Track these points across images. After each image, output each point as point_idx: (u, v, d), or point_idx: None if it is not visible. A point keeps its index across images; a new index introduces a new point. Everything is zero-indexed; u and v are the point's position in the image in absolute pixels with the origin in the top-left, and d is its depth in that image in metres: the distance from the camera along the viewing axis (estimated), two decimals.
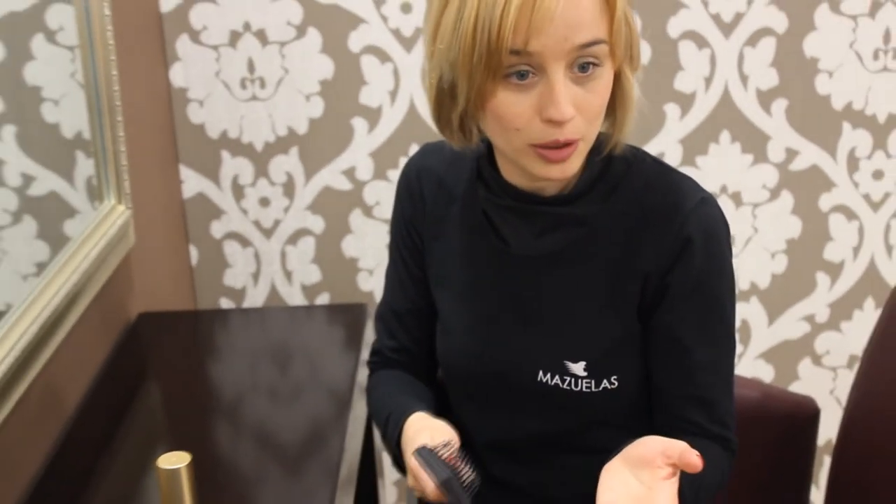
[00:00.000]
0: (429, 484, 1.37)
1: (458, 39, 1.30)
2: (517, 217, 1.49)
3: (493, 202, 1.50)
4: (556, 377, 1.48)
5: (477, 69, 1.30)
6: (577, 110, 1.32)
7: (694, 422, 1.49)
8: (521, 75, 1.30)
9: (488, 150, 1.49)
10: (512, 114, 1.33)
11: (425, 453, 1.38)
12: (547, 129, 1.32)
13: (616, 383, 1.47)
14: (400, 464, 1.54)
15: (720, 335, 1.49)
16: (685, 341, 1.46)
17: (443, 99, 1.38)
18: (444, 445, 1.39)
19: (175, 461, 1.24)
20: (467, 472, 1.37)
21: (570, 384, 1.47)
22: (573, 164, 1.37)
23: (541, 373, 1.49)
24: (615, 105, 1.40)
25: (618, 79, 1.38)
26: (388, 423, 1.56)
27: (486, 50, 1.27)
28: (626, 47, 1.36)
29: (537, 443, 1.42)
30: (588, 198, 1.46)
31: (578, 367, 1.47)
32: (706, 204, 1.44)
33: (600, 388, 1.47)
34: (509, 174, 1.47)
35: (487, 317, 1.53)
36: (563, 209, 1.46)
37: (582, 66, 1.30)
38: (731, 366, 1.52)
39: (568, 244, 1.47)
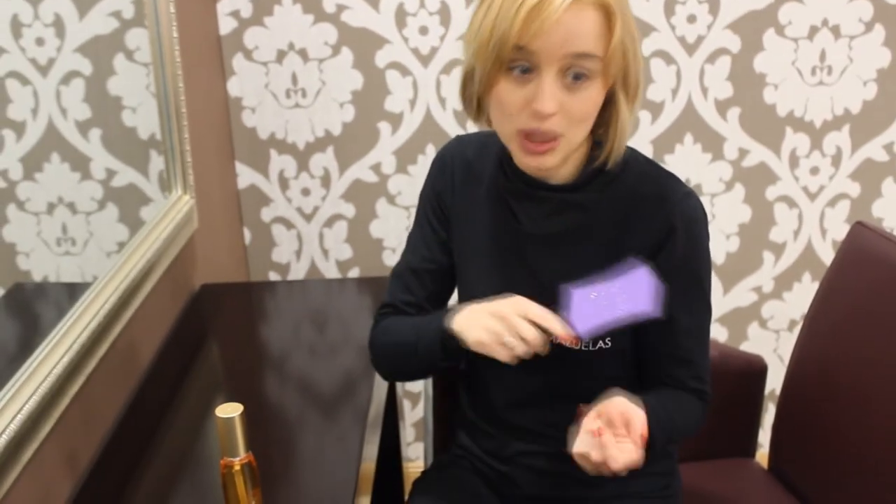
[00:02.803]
0: (556, 324, 1.33)
1: (481, 32, 1.31)
2: (529, 201, 1.48)
3: (510, 188, 1.49)
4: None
5: (490, 58, 1.31)
6: (560, 110, 1.31)
7: (676, 377, 1.49)
8: (523, 70, 1.30)
9: None
10: (508, 101, 1.33)
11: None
12: (531, 119, 1.32)
13: (609, 344, 1.46)
14: (445, 345, 1.44)
15: (699, 306, 1.48)
16: (670, 311, 1.45)
17: (467, 81, 1.39)
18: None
19: (230, 411, 1.23)
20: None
21: (571, 343, 1.46)
22: (550, 160, 1.36)
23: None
24: (608, 123, 1.39)
25: (613, 100, 1.37)
26: (430, 321, 1.47)
27: (498, 43, 1.28)
28: (620, 72, 1.34)
29: (543, 393, 1.41)
30: (589, 188, 1.45)
31: None
32: (689, 197, 1.44)
33: (596, 348, 1.46)
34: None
35: (504, 284, 1.51)
36: (568, 196, 1.45)
37: (574, 76, 1.30)
38: (706, 330, 1.52)
39: (571, 226, 1.46)
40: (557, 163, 1.38)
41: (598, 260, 1.45)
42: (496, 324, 1.34)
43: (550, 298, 1.48)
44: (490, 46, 1.30)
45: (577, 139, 1.37)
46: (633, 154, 1.47)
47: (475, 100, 1.40)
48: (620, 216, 1.44)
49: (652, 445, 1.36)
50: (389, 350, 1.58)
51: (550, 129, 1.32)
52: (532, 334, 1.32)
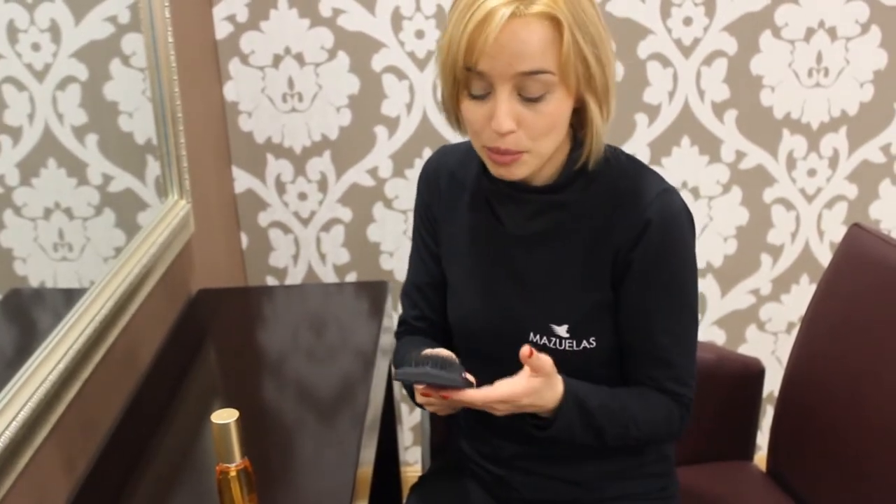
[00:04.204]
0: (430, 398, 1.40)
1: (440, 54, 1.34)
2: (512, 203, 1.48)
3: (493, 191, 1.50)
4: (545, 338, 1.47)
5: (448, 80, 1.34)
6: (520, 126, 1.32)
7: (652, 377, 1.48)
8: (480, 89, 1.32)
9: None
10: (472, 119, 1.35)
11: (405, 374, 1.37)
12: (493, 136, 1.34)
13: (594, 343, 1.46)
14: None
15: (678, 306, 1.47)
16: (646, 308, 1.45)
17: (443, 96, 1.41)
18: (417, 363, 1.39)
19: (226, 416, 1.23)
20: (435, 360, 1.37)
21: (555, 344, 1.47)
22: (519, 170, 1.38)
23: (531, 334, 1.48)
24: (583, 127, 1.40)
25: (584, 106, 1.37)
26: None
27: (451, 65, 1.31)
28: (582, 80, 1.33)
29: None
30: (570, 188, 1.45)
31: (562, 330, 1.46)
32: (667, 193, 1.43)
33: (581, 347, 1.46)
34: None
35: (488, 286, 1.53)
36: (549, 197, 1.46)
37: (531, 91, 1.30)
38: (689, 332, 1.50)
39: (553, 226, 1.47)
40: (529, 172, 1.40)
41: (580, 257, 1.45)
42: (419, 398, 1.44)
43: (532, 297, 1.49)
44: (447, 69, 1.32)
45: (546, 150, 1.38)
46: (614, 153, 1.47)
47: (454, 114, 1.42)
48: (601, 214, 1.44)
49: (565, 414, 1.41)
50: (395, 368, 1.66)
51: (511, 146, 1.34)
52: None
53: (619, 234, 1.43)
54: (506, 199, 1.49)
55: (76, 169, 1.63)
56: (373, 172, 2.57)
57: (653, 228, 1.41)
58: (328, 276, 2.67)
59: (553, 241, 1.47)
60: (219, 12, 2.42)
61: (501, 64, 1.28)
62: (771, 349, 2.78)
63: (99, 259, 1.69)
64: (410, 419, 2.83)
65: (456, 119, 1.42)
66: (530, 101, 1.31)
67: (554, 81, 1.30)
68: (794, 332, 2.38)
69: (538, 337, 1.48)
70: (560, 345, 1.47)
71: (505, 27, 1.26)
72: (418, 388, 1.39)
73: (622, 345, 1.50)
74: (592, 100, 1.35)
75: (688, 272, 1.47)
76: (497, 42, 1.26)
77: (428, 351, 1.40)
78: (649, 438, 1.52)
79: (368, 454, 1.68)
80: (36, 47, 1.50)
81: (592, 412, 1.42)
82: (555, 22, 1.28)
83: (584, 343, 1.46)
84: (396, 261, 2.65)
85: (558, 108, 1.33)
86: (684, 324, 1.49)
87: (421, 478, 1.79)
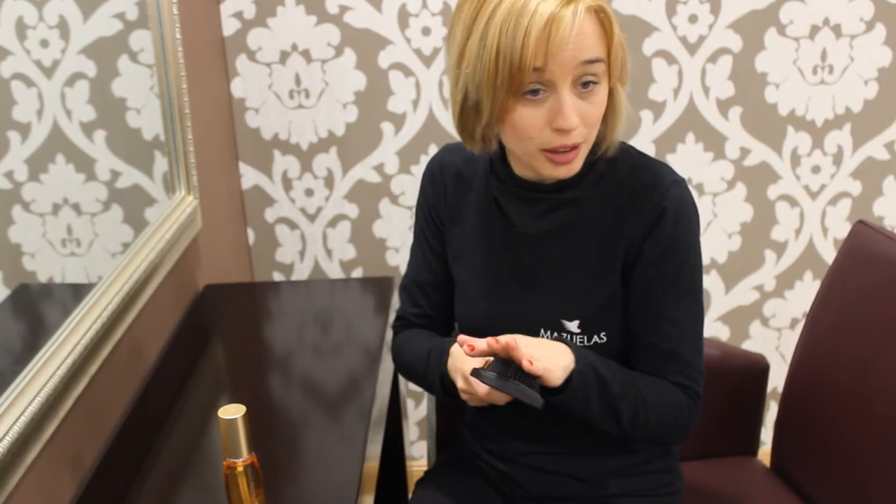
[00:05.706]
0: (482, 387, 1.39)
1: (482, 64, 1.30)
2: (522, 202, 1.48)
3: (503, 191, 1.49)
4: (555, 333, 1.47)
5: (500, 89, 1.30)
6: (579, 119, 1.32)
7: (661, 369, 1.47)
8: (535, 92, 1.30)
9: (501, 150, 1.48)
10: (527, 125, 1.33)
11: (482, 373, 1.37)
12: (556, 136, 1.33)
13: (605, 338, 1.46)
14: (444, 386, 1.52)
15: (686, 296, 1.46)
16: (655, 298, 1.45)
17: (468, 115, 1.37)
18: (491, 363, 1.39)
19: (233, 412, 1.23)
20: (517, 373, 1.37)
21: (566, 339, 1.46)
22: (577, 165, 1.38)
23: (542, 330, 1.48)
24: (608, 114, 1.40)
25: (611, 94, 1.38)
26: (430, 357, 1.55)
27: (508, 73, 1.27)
28: (620, 67, 1.36)
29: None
30: (581, 184, 1.45)
31: (573, 325, 1.46)
32: (679, 184, 1.43)
33: (591, 343, 1.46)
34: (519, 170, 1.46)
35: (498, 284, 1.52)
36: (560, 195, 1.45)
37: (584, 84, 1.31)
38: (696, 324, 1.49)
39: (563, 223, 1.46)
40: (581, 164, 1.40)
41: (591, 252, 1.45)
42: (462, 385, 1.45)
43: (542, 294, 1.48)
44: (500, 76, 1.29)
45: (593, 140, 1.40)
46: (624, 147, 1.47)
47: (480, 132, 1.39)
48: (612, 208, 1.44)
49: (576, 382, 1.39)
50: (405, 371, 1.66)
51: (576, 140, 1.34)
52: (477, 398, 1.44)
53: (631, 226, 1.43)
54: (515, 198, 1.48)
55: (84, 165, 1.63)
56: (379, 169, 2.56)
57: (667, 217, 1.41)
58: (334, 271, 2.67)
59: (564, 238, 1.47)
60: (226, 9, 2.42)
61: (567, 58, 1.28)
62: (775, 345, 2.78)
63: (107, 254, 1.69)
64: (416, 414, 2.83)
65: (482, 138, 1.40)
66: (584, 93, 1.32)
67: (603, 70, 1.32)
68: (798, 328, 2.38)
69: (549, 333, 1.47)
70: (571, 340, 1.46)
71: (579, 26, 1.27)
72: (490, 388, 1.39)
73: (630, 337, 1.49)
74: (620, 86, 1.39)
75: (695, 263, 1.47)
76: (568, 42, 1.27)
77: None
78: (658, 425, 1.48)
79: (375, 449, 1.67)
80: (44, 44, 1.49)
81: (605, 377, 1.41)
82: (603, 13, 1.30)
83: (595, 338, 1.46)
84: (402, 257, 2.64)
85: (605, 97, 1.36)
86: (691, 314, 1.48)
87: (427, 472, 1.79)
